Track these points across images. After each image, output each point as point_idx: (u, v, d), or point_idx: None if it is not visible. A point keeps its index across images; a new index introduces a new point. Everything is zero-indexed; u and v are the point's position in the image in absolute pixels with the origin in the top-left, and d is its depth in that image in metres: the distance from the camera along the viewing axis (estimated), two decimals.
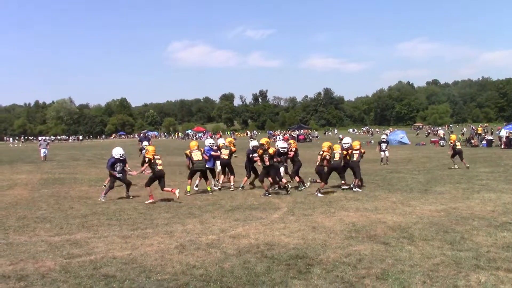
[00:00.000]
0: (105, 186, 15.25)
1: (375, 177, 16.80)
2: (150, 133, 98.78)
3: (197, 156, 14.44)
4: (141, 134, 49.80)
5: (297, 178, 14.70)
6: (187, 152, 14.57)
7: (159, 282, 6.15)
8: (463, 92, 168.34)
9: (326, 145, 14.25)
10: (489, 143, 39.16)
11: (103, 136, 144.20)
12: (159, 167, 13.16)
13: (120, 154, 13.92)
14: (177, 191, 12.74)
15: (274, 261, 6.96)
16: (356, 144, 15.36)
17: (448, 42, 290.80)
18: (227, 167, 15.69)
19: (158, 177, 13.18)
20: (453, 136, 23.22)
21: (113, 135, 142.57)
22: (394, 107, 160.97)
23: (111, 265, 6.97)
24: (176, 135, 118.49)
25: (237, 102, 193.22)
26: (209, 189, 14.66)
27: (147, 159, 13.22)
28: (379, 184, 15.69)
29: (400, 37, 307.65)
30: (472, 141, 40.88)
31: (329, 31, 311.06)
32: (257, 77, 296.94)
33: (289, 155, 15.20)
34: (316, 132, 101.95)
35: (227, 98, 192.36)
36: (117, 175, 13.76)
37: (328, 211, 11.09)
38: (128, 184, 14.10)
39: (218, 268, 6.68)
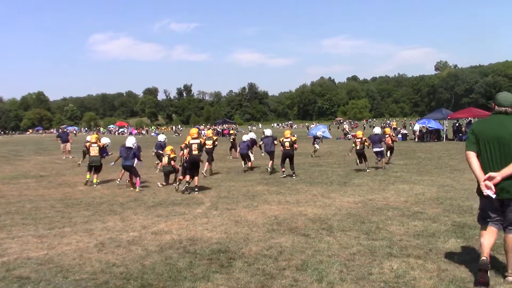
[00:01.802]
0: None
1: (297, 171, 17.13)
2: (69, 128, 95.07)
3: (94, 151, 15.59)
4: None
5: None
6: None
7: (76, 282, 5.96)
8: (380, 88, 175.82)
9: (359, 133, 18.65)
10: (404, 136, 41.22)
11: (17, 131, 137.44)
12: None
13: (133, 144, 14.46)
14: None
15: (196, 256, 6.94)
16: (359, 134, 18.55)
17: (370, 40, 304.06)
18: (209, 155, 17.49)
19: None
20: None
21: (30, 130, 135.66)
22: (316, 102, 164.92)
23: (26, 266, 6.66)
24: (97, 131, 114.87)
25: (161, 96, 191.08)
26: (95, 181, 15.41)
27: None
28: (301, 178, 16.08)
29: (325, 34, 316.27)
30: None
31: (256, 26, 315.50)
32: (182, 71, 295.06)
33: None
34: (243, 129, 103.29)
35: (151, 92, 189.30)
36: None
37: (251, 205, 11.22)
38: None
39: (139, 265, 6.57)
